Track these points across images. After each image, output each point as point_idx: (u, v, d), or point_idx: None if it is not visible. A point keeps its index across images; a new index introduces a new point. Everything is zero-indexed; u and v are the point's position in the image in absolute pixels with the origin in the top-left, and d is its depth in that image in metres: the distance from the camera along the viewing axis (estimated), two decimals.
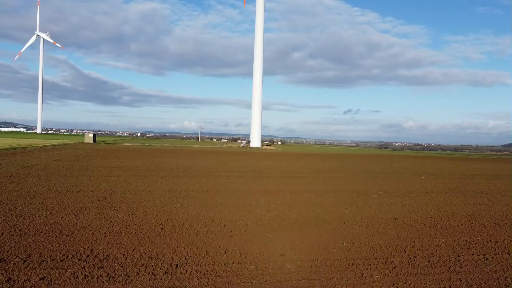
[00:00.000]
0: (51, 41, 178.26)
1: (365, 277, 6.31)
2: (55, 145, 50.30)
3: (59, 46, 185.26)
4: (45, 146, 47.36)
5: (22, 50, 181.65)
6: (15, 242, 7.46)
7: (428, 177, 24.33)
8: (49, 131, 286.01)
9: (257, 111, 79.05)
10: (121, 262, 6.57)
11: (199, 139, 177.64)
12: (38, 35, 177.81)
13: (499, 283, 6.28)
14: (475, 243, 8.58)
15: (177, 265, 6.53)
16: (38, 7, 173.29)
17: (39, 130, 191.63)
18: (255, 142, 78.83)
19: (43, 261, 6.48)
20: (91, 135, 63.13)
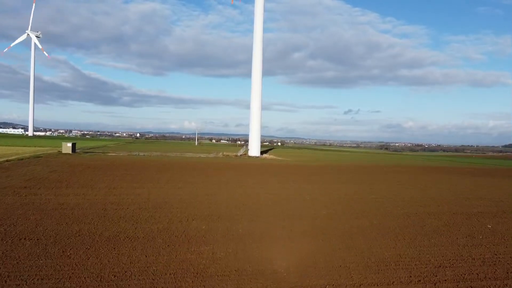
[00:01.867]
0: (40, 46, 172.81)
1: None
2: (22, 158, 43.38)
3: (46, 54, 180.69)
4: (9, 160, 40.44)
5: (11, 45, 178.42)
6: None
7: (491, 221, 17.55)
8: (47, 132, 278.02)
9: (256, 118, 71.83)
10: None
11: (196, 143, 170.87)
12: (28, 34, 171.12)
13: None
14: None
15: None
16: (34, 4, 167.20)
17: (30, 133, 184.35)
18: (254, 150, 71.70)
19: None
20: (70, 144, 56.11)
